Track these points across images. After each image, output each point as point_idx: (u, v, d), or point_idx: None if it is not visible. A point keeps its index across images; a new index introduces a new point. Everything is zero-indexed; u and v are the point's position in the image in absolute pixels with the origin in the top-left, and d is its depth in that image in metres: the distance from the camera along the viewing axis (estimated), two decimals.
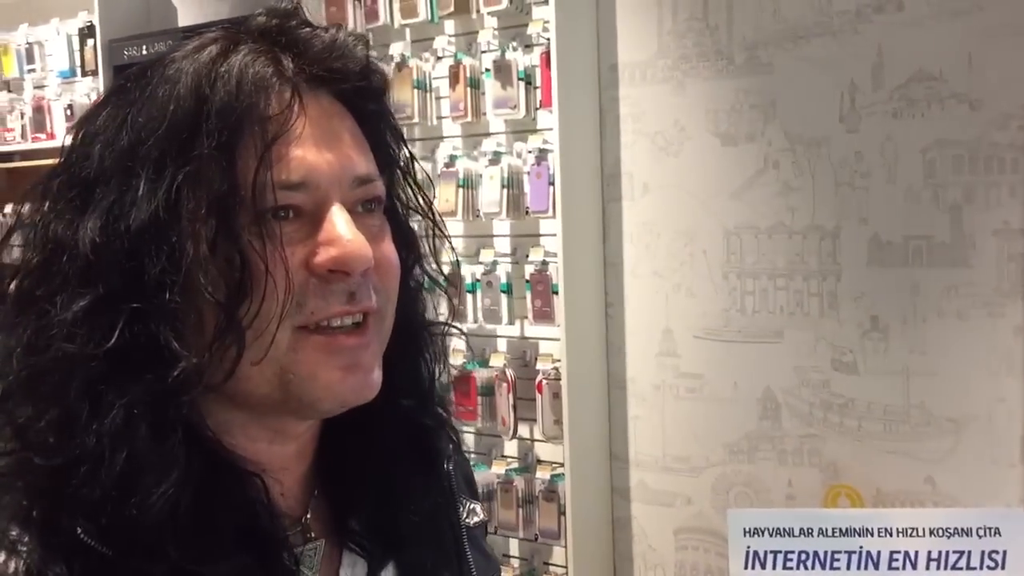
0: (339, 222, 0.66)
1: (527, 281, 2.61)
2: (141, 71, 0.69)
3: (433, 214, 0.80)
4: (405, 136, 0.78)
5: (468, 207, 2.70)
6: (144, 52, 3.36)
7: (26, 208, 0.69)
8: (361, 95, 0.72)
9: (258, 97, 0.65)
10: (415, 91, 2.77)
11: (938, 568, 1.94)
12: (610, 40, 2.65)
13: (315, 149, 0.66)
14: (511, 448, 2.86)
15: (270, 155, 0.64)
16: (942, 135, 2.17)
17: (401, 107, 2.78)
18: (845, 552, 1.96)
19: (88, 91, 3.69)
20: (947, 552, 1.95)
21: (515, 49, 2.62)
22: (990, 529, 1.94)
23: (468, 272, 2.71)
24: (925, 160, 2.20)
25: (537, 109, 2.64)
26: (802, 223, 2.36)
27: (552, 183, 2.52)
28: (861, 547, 1.96)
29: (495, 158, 2.64)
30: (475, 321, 2.73)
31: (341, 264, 0.65)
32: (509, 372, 2.68)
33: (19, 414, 0.64)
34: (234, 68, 0.65)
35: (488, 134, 2.77)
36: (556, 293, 2.54)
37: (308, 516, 0.75)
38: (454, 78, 2.72)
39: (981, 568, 1.94)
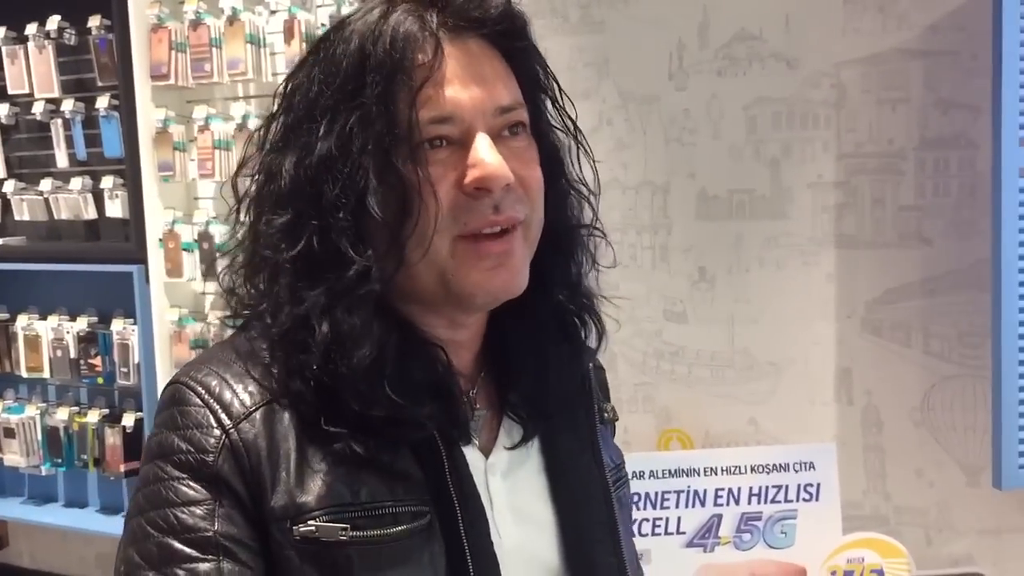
0: (482, 147, 0.80)
1: None
2: (328, 32, 0.85)
3: (576, 131, 0.93)
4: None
5: None
6: None
7: (252, 146, 0.88)
8: (505, 35, 0.85)
9: (408, 50, 0.80)
10: (248, 46, 2.69)
11: (759, 503, 2.07)
12: None
13: (460, 87, 0.81)
14: None
15: (420, 97, 0.79)
16: (763, 93, 2.28)
17: (234, 63, 2.70)
18: (674, 491, 2.06)
19: None
20: (767, 487, 2.08)
21: (351, 4, 2.58)
22: (805, 464, 2.08)
23: None
24: (747, 117, 2.30)
25: None
26: (635, 179, 2.43)
27: None
28: (689, 486, 2.06)
29: None
30: None
31: (483, 182, 0.80)
32: None
33: (241, 291, 0.87)
34: (389, 28, 0.80)
35: None
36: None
37: (475, 391, 0.92)
38: (288, 33, 2.65)
39: (798, 500, 2.07)
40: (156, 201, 2.87)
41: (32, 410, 3.28)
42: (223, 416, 0.81)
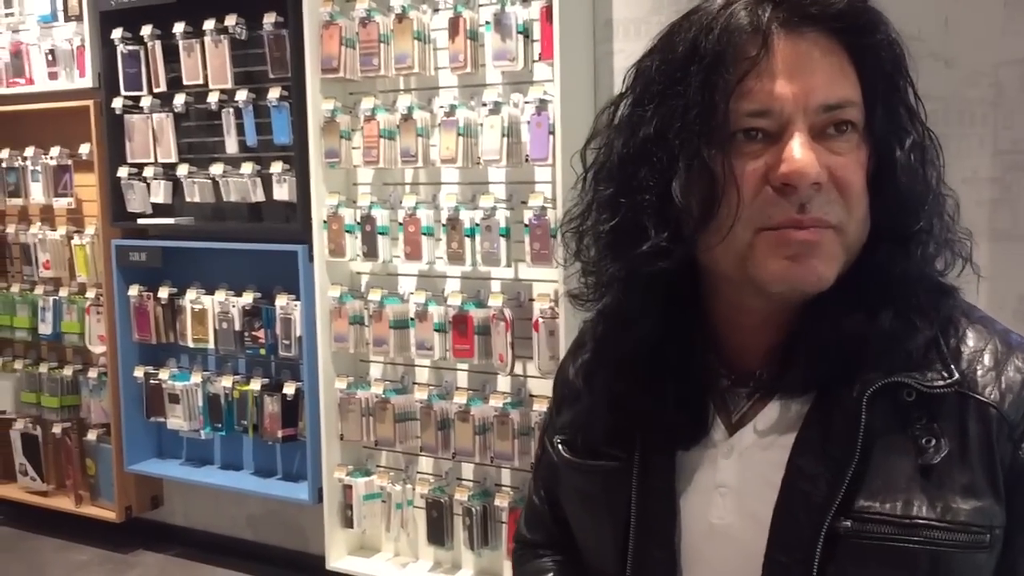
0: (793, 144, 0.79)
1: (526, 225, 2.75)
2: (678, 21, 0.87)
3: (928, 136, 0.87)
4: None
5: (468, 154, 2.82)
6: None
7: (603, 120, 0.92)
8: (849, 32, 0.82)
9: (733, 43, 0.80)
10: (415, 42, 2.87)
11: None
12: None
13: (783, 81, 0.80)
14: (504, 384, 3.02)
15: (739, 89, 0.80)
16: (921, 91, 2.36)
17: (401, 57, 2.89)
18: None
19: (71, 36, 3.69)
20: None
21: (514, 3, 2.74)
22: None
23: (467, 217, 2.85)
24: None
25: (535, 61, 2.77)
26: None
27: (552, 132, 2.66)
28: None
29: (495, 108, 2.76)
30: (472, 264, 2.87)
31: (788, 178, 0.79)
32: (507, 311, 2.83)
33: (585, 256, 0.94)
34: (722, 20, 0.81)
35: (485, 85, 2.89)
36: (554, 236, 2.69)
37: (763, 372, 0.90)
38: (453, 30, 2.82)
39: None
40: (321, 186, 3.08)
41: (196, 378, 3.53)
42: None
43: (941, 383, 0.83)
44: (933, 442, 0.82)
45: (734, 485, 0.89)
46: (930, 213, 0.85)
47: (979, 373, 0.85)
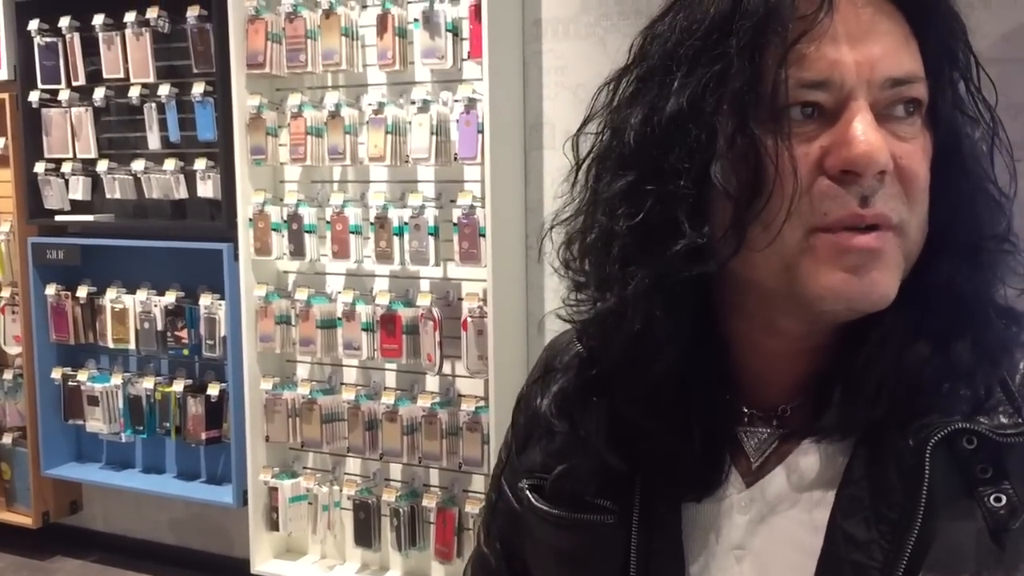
0: (857, 122, 0.65)
1: (454, 224, 2.74)
2: None
3: (993, 122, 0.72)
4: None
5: (397, 152, 2.80)
6: None
7: (600, 100, 0.76)
8: None
9: None
10: (343, 38, 2.84)
11: None
12: None
13: (844, 47, 0.65)
14: (432, 384, 3.01)
15: (792, 53, 0.65)
16: None
17: (328, 54, 2.86)
18: None
19: None
20: None
21: (443, 1, 2.73)
22: None
23: (395, 215, 2.83)
24: None
25: (464, 60, 2.76)
26: None
27: (481, 131, 2.66)
28: None
29: (424, 106, 2.75)
30: (401, 263, 2.85)
31: (851, 164, 0.64)
32: (436, 311, 2.82)
33: (576, 275, 0.78)
34: None
35: (414, 83, 2.87)
36: (483, 236, 2.69)
37: (788, 407, 0.75)
38: (382, 27, 2.80)
39: None
40: (247, 183, 3.03)
41: (117, 379, 3.44)
42: None
43: (1013, 431, 0.69)
44: (1003, 500, 0.68)
45: (755, 548, 0.74)
46: (1001, 218, 0.72)
47: None
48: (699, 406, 0.74)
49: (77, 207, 3.47)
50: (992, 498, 0.68)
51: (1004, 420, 0.69)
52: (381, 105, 2.81)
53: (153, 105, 3.24)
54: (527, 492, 0.84)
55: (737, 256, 0.67)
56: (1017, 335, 0.73)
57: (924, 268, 0.70)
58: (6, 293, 3.61)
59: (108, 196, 3.38)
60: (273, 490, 3.13)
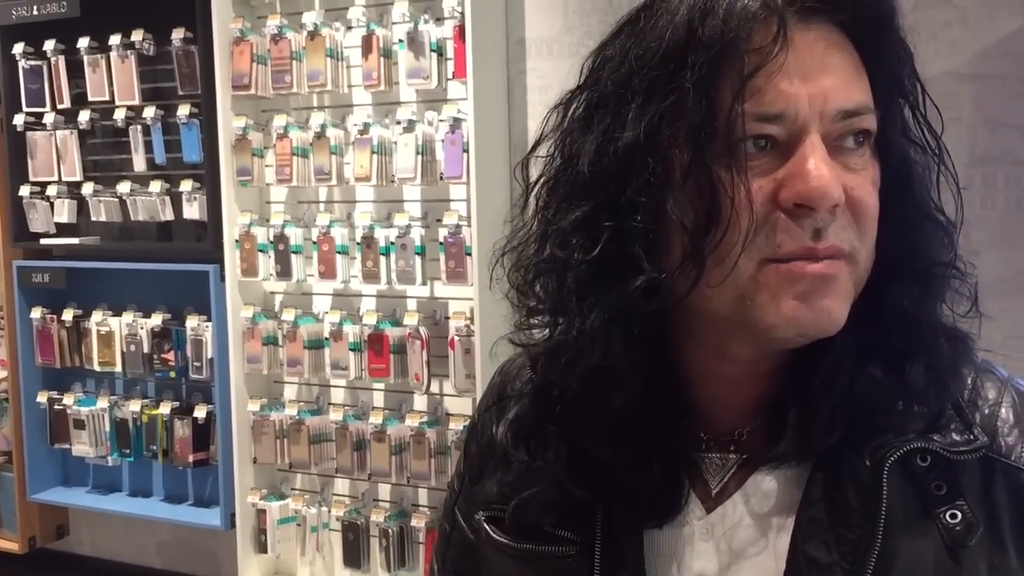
0: (810, 156, 0.65)
1: (441, 244, 2.75)
2: (651, 0, 0.71)
3: (938, 150, 0.73)
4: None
5: (382, 172, 2.81)
6: (35, 12, 3.28)
7: (551, 122, 0.76)
8: (861, 24, 0.69)
9: (743, 30, 0.65)
10: (328, 59, 2.85)
11: None
12: (518, 15, 2.80)
13: (797, 80, 0.65)
14: (420, 403, 3.01)
15: (747, 87, 0.65)
16: None
17: (314, 75, 2.87)
18: None
19: None
20: None
21: (427, 22, 2.74)
22: None
23: (382, 235, 2.83)
24: None
25: (449, 80, 2.77)
26: None
27: (466, 150, 2.67)
28: None
29: (409, 126, 2.76)
30: (387, 283, 2.85)
31: (805, 199, 0.65)
32: (423, 330, 2.82)
33: (527, 299, 0.77)
34: (724, 1, 0.66)
35: (399, 103, 2.88)
36: (469, 254, 2.69)
37: (744, 431, 0.76)
38: (367, 48, 2.81)
39: None
40: (233, 204, 3.03)
41: (103, 402, 3.43)
42: None
43: (966, 448, 0.70)
44: (959, 517, 0.69)
45: (716, 574, 0.74)
46: (948, 244, 0.73)
47: (1003, 432, 0.72)
48: (657, 433, 0.74)
49: (62, 230, 3.46)
50: (948, 515, 0.69)
51: (956, 437, 0.70)
52: (367, 125, 2.82)
53: (139, 127, 3.24)
54: (484, 524, 0.83)
55: (694, 291, 0.68)
56: (964, 354, 0.74)
57: (873, 292, 0.71)
58: None
59: (94, 219, 3.37)
60: (261, 512, 3.11)
